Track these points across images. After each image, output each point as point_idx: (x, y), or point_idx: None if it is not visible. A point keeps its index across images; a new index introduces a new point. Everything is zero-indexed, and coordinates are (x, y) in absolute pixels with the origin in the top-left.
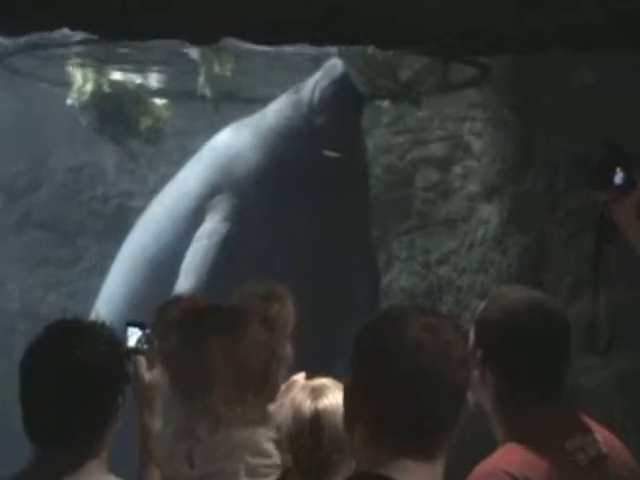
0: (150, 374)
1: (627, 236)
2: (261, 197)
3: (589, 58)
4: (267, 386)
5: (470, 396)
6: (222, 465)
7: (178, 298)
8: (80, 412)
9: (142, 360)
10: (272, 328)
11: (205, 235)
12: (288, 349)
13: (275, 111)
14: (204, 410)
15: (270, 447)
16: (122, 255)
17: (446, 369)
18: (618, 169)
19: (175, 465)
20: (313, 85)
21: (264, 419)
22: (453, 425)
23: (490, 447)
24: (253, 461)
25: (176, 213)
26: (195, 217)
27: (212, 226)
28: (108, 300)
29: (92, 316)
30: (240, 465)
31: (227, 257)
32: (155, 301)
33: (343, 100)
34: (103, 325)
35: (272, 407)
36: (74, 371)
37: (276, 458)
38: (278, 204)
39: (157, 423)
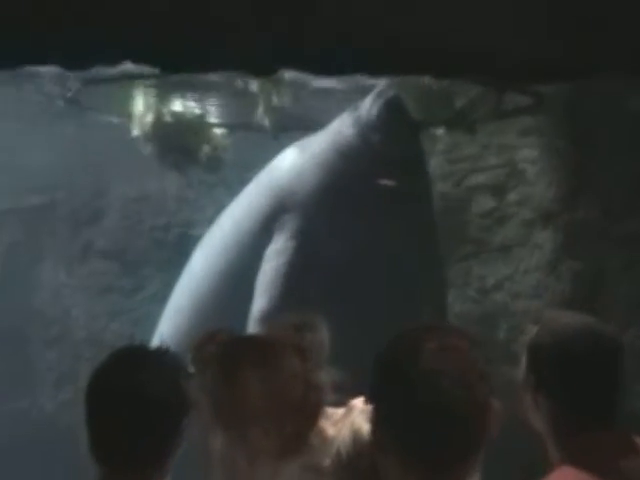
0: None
1: None
2: (324, 215)
3: None
4: (304, 416)
5: (498, 406)
6: None
7: (214, 332)
8: (145, 437)
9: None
10: (306, 358)
11: (274, 255)
12: (323, 375)
13: (334, 130)
14: (243, 441)
15: (310, 476)
16: (188, 272)
17: (468, 389)
18: None
19: None
20: (369, 105)
21: (303, 449)
22: (483, 439)
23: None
24: None
25: (242, 231)
26: (261, 235)
27: (280, 245)
28: (173, 317)
29: (155, 341)
30: None
31: (297, 275)
32: (220, 317)
33: (397, 117)
34: (166, 351)
35: (331, 431)
36: (139, 397)
37: None
38: (341, 221)
39: (217, 443)
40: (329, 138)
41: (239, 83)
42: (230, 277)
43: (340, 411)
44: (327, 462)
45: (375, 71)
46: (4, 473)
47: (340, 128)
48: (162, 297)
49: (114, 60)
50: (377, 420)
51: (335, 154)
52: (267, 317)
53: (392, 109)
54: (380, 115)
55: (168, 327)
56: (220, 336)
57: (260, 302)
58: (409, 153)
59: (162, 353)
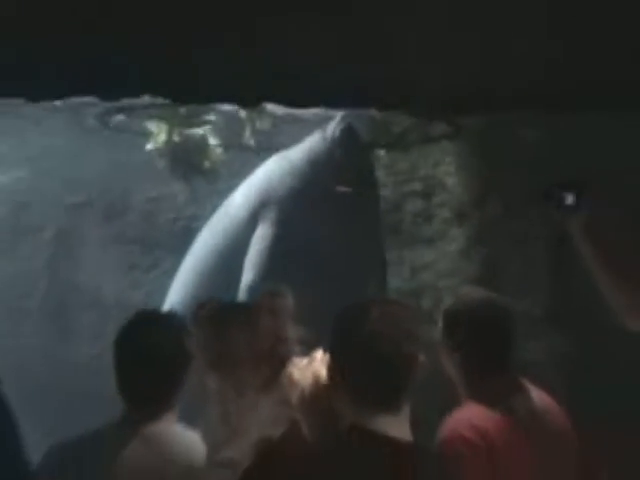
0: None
1: (577, 244)
2: (297, 211)
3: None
4: (276, 361)
5: (425, 362)
6: (247, 420)
7: (207, 300)
8: (157, 379)
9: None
10: (277, 317)
11: (259, 239)
12: (291, 329)
13: (307, 146)
14: (232, 379)
15: (281, 411)
16: (192, 253)
17: (402, 344)
18: (570, 194)
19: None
20: (332, 130)
21: (276, 387)
22: (411, 383)
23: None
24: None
25: (235, 220)
26: (249, 223)
27: (264, 232)
28: (180, 289)
29: (166, 307)
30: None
31: (276, 255)
32: (216, 287)
33: (352, 139)
34: (174, 315)
35: (297, 375)
36: (153, 349)
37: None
38: (311, 215)
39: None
40: (303, 152)
41: (231, 112)
42: (225, 256)
43: (305, 360)
44: (294, 399)
45: (333, 105)
46: (47, 414)
47: (311, 145)
48: (171, 273)
49: (137, 93)
50: (333, 367)
51: (307, 164)
52: (253, 288)
53: (349, 134)
54: (341, 138)
55: (176, 297)
56: (212, 303)
57: (248, 276)
58: (362, 167)
59: (170, 317)
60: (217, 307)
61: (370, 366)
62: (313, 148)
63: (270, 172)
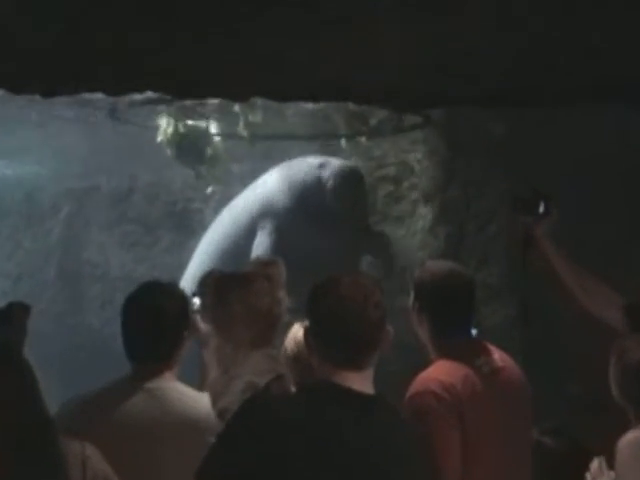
0: (204, 326)
1: (543, 247)
2: (293, 222)
3: (500, 112)
4: (270, 319)
5: (390, 329)
6: (240, 370)
7: (211, 271)
8: (161, 339)
9: (198, 317)
10: (271, 281)
11: (259, 246)
12: (283, 294)
13: (306, 170)
14: (230, 336)
15: (268, 364)
16: (201, 245)
17: (366, 310)
18: (541, 202)
19: (216, 369)
20: (329, 176)
21: (268, 342)
22: (375, 347)
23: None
24: (252, 379)
25: (239, 225)
26: (251, 230)
27: (263, 239)
28: (192, 273)
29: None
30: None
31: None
32: None
33: (349, 192)
34: (175, 285)
35: (284, 340)
36: (158, 312)
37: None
38: (303, 226)
39: (209, 355)
40: (301, 174)
41: (228, 105)
42: (229, 255)
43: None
44: (280, 355)
45: (318, 99)
46: (63, 373)
47: (309, 169)
48: (171, 250)
49: (142, 89)
50: (308, 329)
51: (304, 185)
52: None
53: (345, 188)
54: (337, 191)
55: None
56: (215, 272)
57: None
58: (354, 212)
59: (172, 287)
60: (219, 275)
61: (336, 327)
62: (310, 173)
63: (271, 186)
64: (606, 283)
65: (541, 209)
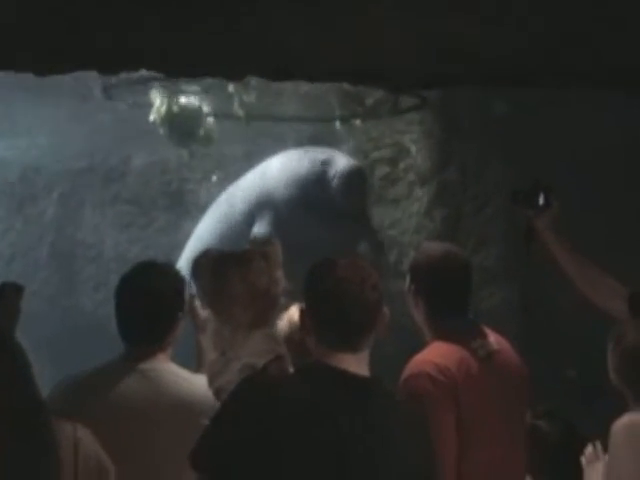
0: (203, 311)
1: (545, 239)
2: (291, 214)
3: (498, 93)
4: (269, 299)
5: (386, 310)
6: (239, 351)
7: (207, 250)
8: (154, 320)
9: (198, 301)
10: (269, 260)
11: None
12: (280, 274)
13: (309, 165)
14: (228, 318)
15: (268, 344)
16: (197, 230)
17: (362, 291)
18: (541, 194)
19: (213, 353)
20: (334, 174)
21: (267, 322)
22: (372, 329)
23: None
24: (249, 360)
25: (236, 211)
26: (249, 217)
27: (260, 229)
28: (187, 258)
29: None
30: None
31: None
32: None
33: (355, 191)
34: (170, 266)
35: (278, 322)
36: (151, 292)
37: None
38: (301, 219)
39: (206, 340)
40: (304, 169)
41: (222, 85)
42: (226, 239)
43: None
44: (277, 334)
45: (312, 79)
46: (56, 355)
47: (312, 165)
48: (165, 230)
49: (136, 68)
50: (305, 310)
51: (305, 179)
52: None
53: (351, 188)
54: (343, 190)
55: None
56: (212, 252)
57: None
58: (357, 209)
59: (166, 267)
60: (216, 254)
61: (334, 308)
62: (314, 168)
63: (272, 176)
64: (610, 274)
65: (541, 201)
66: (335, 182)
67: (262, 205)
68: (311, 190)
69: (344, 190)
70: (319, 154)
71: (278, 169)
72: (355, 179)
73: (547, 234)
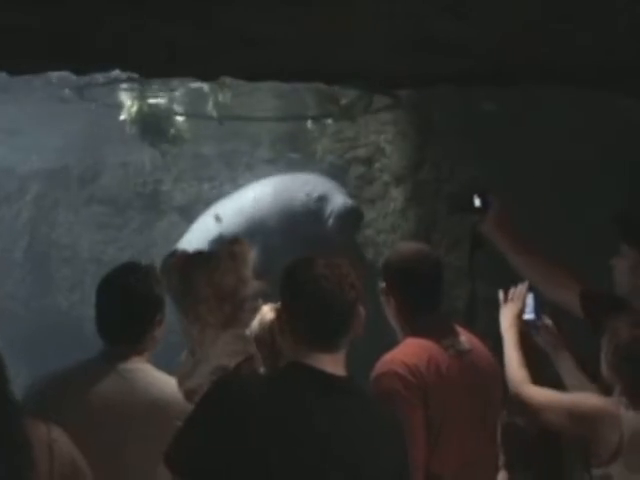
0: None
1: (493, 241)
2: (280, 238)
3: (471, 93)
4: (237, 300)
5: (362, 310)
6: (208, 351)
7: (174, 251)
8: (132, 321)
9: None
10: (236, 260)
11: None
12: (249, 274)
13: (295, 196)
14: (196, 318)
15: (238, 345)
16: (183, 243)
17: (342, 290)
18: (474, 197)
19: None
20: (330, 211)
21: (237, 322)
22: (349, 328)
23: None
24: (221, 362)
25: (226, 234)
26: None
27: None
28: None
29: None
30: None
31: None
32: None
33: (350, 227)
34: (149, 267)
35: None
36: (129, 293)
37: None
38: (292, 250)
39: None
40: (297, 203)
41: (195, 84)
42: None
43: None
44: (247, 335)
45: (287, 79)
46: (31, 355)
47: (306, 201)
48: (141, 231)
49: (109, 68)
50: (282, 309)
51: (300, 214)
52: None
53: (348, 225)
54: (339, 225)
55: None
56: (179, 252)
57: None
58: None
59: (147, 269)
60: (184, 255)
61: (311, 308)
62: (303, 216)
63: (262, 207)
64: (564, 270)
65: (477, 203)
66: (331, 221)
67: (253, 232)
68: (305, 225)
69: (339, 229)
70: (311, 188)
71: (272, 197)
72: (351, 219)
73: (493, 235)
